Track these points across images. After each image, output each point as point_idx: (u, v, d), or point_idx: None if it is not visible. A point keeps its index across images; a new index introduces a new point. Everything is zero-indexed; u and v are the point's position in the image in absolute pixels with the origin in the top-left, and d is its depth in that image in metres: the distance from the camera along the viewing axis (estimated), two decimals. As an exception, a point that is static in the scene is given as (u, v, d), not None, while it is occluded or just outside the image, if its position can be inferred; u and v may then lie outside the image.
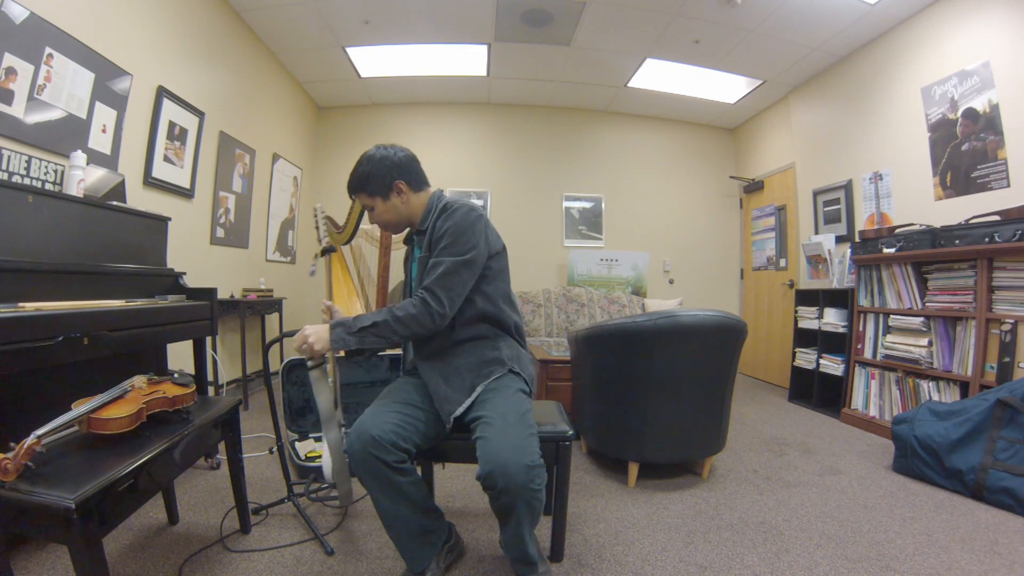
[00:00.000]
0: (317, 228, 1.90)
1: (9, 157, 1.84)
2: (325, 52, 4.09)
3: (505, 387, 1.35)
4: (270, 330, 4.01)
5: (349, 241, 3.50)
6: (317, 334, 1.29)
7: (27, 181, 1.90)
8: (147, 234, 2.16)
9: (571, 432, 1.48)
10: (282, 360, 4.08)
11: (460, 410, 1.31)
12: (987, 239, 2.40)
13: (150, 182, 2.67)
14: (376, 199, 1.42)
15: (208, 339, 2.23)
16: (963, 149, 2.89)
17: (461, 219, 1.36)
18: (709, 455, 2.22)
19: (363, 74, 4.49)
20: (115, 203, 2.06)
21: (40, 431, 1.03)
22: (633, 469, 2.16)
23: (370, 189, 1.41)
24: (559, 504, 1.49)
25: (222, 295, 3.19)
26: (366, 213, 3.41)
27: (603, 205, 5.25)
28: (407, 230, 1.56)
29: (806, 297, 3.79)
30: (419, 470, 1.79)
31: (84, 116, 2.21)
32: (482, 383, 1.35)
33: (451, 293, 1.31)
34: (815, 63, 3.97)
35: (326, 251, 1.87)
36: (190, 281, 2.23)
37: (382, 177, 1.40)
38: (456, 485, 2.13)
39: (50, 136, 2.03)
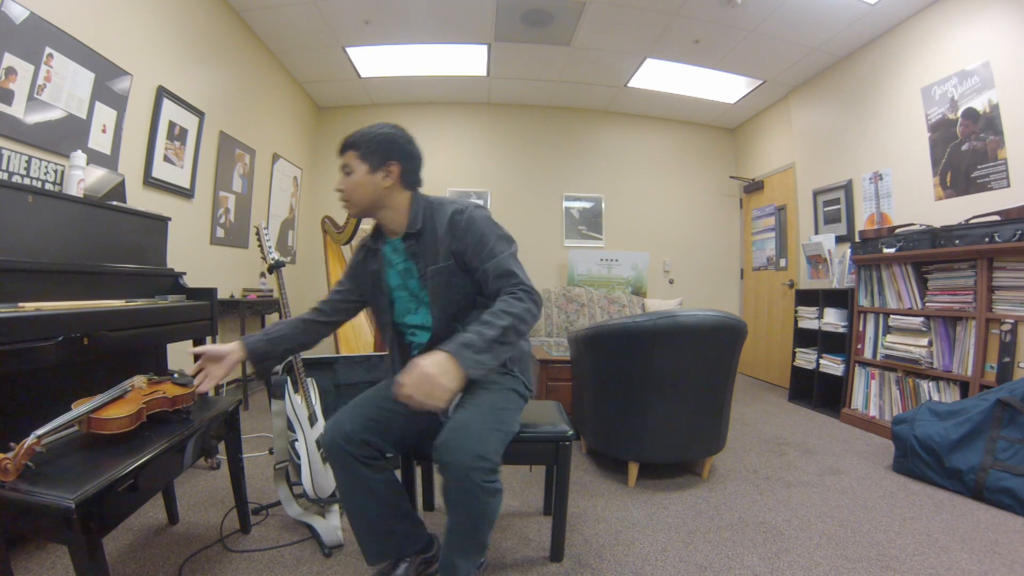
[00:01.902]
0: (260, 247, 1.90)
1: (9, 157, 1.84)
2: (325, 52, 4.09)
3: (494, 383, 1.28)
4: (270, 330, 4.01)
5: (349, 241, 3.50)
6: (443, 372, 1.03)
7: (27, 181, 1.90)
8: (147, 234, 2.16)
9: (571, 432, 1.48)
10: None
11: (453, 405, 1.25)
12: (987, 239, 2.40)
13: (150, 182, 2.67)
14: (362, 164, 1.27)
15: (208, 339, 2.23)
16: (963, 149, 2.89)
17: (486, 219, 1.29)
18: (709, 455, 2.22)
19: (363, 74, 4.49)
20: (115, 203, 2.06)
21: (40, 431, 1.03)
22: (633, 469, 2.16)
23: (363, 150, 1.27)
24: (559, 504, 1.49)
25: (222, 295, 3.19)
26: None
27: (603, 205, 5.25)
28: (372, 230, 1.42)
29: (806, 297, 3.78)
30: (418, 471, 1.80)
31: (84, 116, 2.21)
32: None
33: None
34: (815, 63, 3.97)
35: (273, 268, 1.88)
36: (190, 281, 2.23)
37: (382, 146, 1.27)
38: (456, 485, 2.13)
39: (50, 136, 2.03)
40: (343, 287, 1.47)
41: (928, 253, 2.72)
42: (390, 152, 1.28)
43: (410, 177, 1.33)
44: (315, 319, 1.45)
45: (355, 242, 3.67)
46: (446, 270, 1.28)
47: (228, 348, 1.29)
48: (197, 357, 1.29)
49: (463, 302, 1.31)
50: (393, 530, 1.27)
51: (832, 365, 3.40)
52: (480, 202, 5.09)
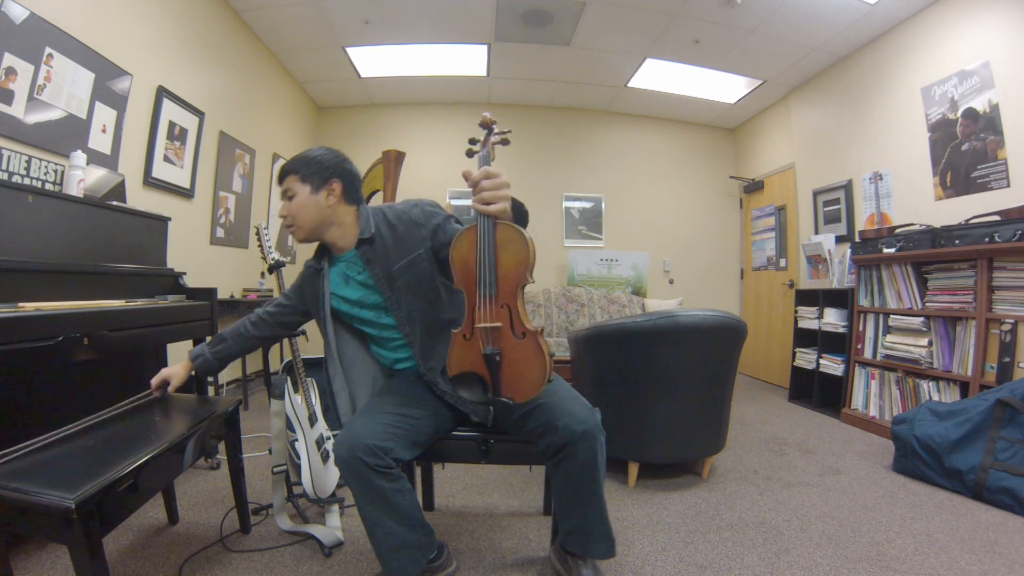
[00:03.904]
0: (260, 247, 1.91)
1: (9, 157, 1.84)
2: (325, 52, 4.09)
3: None
4: (270, 330, 4.01)
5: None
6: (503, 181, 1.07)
7: (27, 181, 1.90)
8: (147, 234, 2.16)
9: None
10: (282, 360, 4.07)
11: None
12: (987, 239, 2.40)
13: (150, 182, 2.67)
14: (304, 186, 1.29)
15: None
16: (963, 149, 2.89)
17: (437, 205, 1.38)
18: (709, 455, 2.22)
19: (363, 74, 4.49)
20: (115, 203, 2.06)
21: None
22: (633, 469, 2.16)
23: (303, 172, 1.29)
24: (559, 504, 1.49)
25: (222, 295, 3.19)
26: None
27: (603, 205, 5.25)
28: (316, 251, 1.42)
29: (806, 297, 3.78)
30: (418, 471, 1.80)
31: (84, 116, 2.21)
32: None
33: None
34: (815, 63, 3.97)
35: (273, 267, 1.89)
36: (190, 281, 2.23)
37: (321, 166, 1.30)
38: (456, 485, 2.13)
39: (50, 136, 2.03)
40: (288, 301, 1.50)
41: (928, 253, 2.72)
42: (330, 171, 1.31)
43: (353, 194, 1.35)
44: (257, 334, 1.53)
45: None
46: (414, 261, 1.31)
47: (176, 371, 1.52)
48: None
49: (431, 294, 1.34)
50: (408, 542, 1.23)
51: (832, 365, 3.40)
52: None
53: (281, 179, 1.33)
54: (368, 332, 1.42)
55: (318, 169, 1.30)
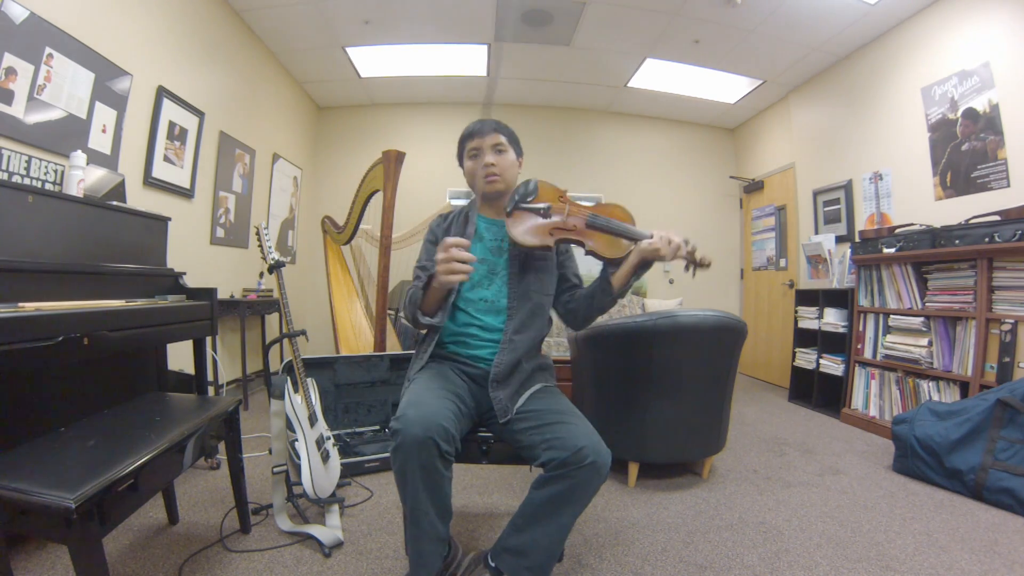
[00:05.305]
0: (260, 247, 1.91)
1: (9, 157, 1.84)
2: (325, 52, 4.09)
3: (558, 394, 1.40)
4: (270, 330, 4.01)
5: (349, 241, 3.50)
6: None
7: (27, 181, 1.90)
8: (147, 234, 2.16)
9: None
10: (282, 360, 4.08)
11: (516, 406, 1.31)
12: (987, 239, 2.40)
13: (150, 182, 2.67)
14: (511, 149, 1.47)
15: (208, 339, 2.23)
16: (963, 149, 2.89)
17: None
18: (709, 455, 2.22)
19: (363, 74, 4.49)
20: (115, 203, 2.06)
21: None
22: (633, 469, 2.16)
23: (510, 138, 1.47)
24: (559, 504, 1.49)
25: (222, 295, 3.19)
26: (367, 208, 3.37)
27: (603, 205, 5.25)
28: (468, 205, 1.52)
29: (806, 297, 3.79)
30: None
31: (84, 116, 2.21)
32: (532, 387, 1.37)
33: None
34: (815, 63, 3.97)
35: (273, 267, 1.89)
36: (190, 281, 2.23)
37: (517, 141, 1.50)
38: (456, 485, 2.11)
39: (50, 136, 2.03)
40: (427, 262, 1.47)
41: (928, 253, 2.72)
42: (520, 148, 1.51)
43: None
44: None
45: (355, 242, 3.67)
46: (544, 255, 1.47)
47: None
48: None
49: (543, 281, 1.48)
50: (440, 534, 1.18)
51: (832, 365, 3.40)
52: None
53: (487, 132, 1.44)
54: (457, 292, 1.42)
55: (516, 142, 1.50)
